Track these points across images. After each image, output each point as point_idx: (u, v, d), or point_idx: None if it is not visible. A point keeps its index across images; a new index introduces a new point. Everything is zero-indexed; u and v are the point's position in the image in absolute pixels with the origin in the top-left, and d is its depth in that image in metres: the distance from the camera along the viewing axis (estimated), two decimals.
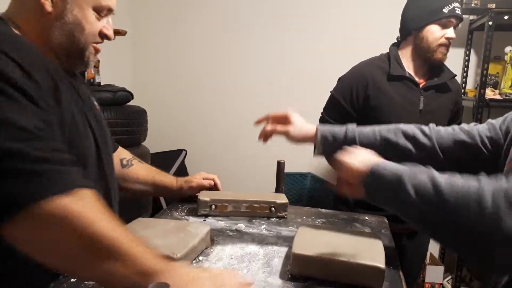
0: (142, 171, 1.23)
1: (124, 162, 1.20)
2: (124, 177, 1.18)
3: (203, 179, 1.26)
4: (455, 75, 1.55)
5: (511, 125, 0.93)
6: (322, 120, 1.65)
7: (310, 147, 2.10)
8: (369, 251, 0.84)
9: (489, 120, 1.00)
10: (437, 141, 1.00)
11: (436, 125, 1.06)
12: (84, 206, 0.64)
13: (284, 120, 1.06)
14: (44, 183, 0.63)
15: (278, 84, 2.34)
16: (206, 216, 1.13)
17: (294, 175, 1.53)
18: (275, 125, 1.06)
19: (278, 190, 1.27)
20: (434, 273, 2.19)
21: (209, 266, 0.84)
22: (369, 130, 1.05)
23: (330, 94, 1.61)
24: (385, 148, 1.00)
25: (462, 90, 2.21)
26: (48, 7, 0.82)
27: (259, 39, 2.38)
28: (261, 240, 0.99)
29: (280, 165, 1.28)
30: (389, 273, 0.83)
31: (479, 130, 0.98)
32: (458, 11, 1.44)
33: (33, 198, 0.62)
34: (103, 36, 0.90)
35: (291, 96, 2.34)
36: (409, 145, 1.01)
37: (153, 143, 2.37)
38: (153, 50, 2.53)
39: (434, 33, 1.44)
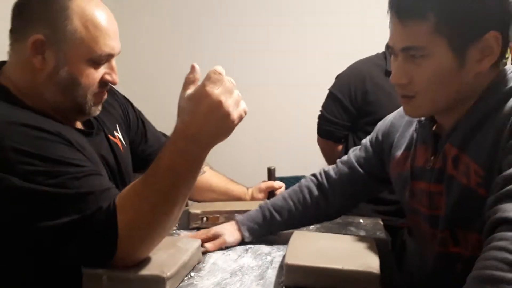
0: (214, 179, 1.24)
1: None
2: (196, 185, 1.17)
3: None
4: None
5: (384, 140, 0.98)
6: (322, 118, 1.69)
7: (302, 150, 2.07)
8: (363, 256, 0.82)
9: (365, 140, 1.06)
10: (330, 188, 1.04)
11: None
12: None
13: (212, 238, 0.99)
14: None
15: (272, 84, 2.30)
16: (198, 229, 1.11)
17: (287, 179, 1.52)
18: (210, 245, 0.96)
19: (269, 197, 1.25)
20: None
21: (201, 282, 0.82)
22: (279, 198, 1.05)
23: (328, 91, 1.64)
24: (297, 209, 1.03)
25: None
26: (38, 63, 0.79)
27: (254, 37, 2.33)
28: (254, 251, 0.97)
29: (271, 172, 1.26)
30: (384, 276, 0.82)
31: (356, 155, 1.05)
32: None
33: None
34: (105, 83, 0.85)
35: (287, 95, 2.30)
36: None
37: None
38: (142, 44, 2.43)
39: None
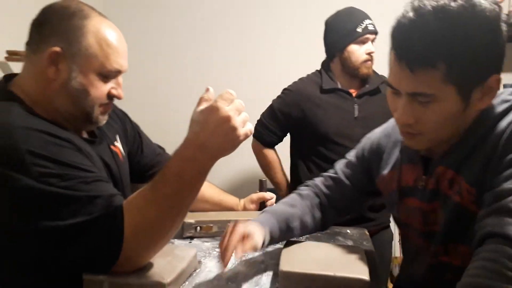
0: (207, 190, 1.27)
1: None
2: None
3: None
4: (386, 78, 1.65)
5: (371, 158, 1.02)
6: (259, 121, 1.78)
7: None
8: (354, 264, 0.87)
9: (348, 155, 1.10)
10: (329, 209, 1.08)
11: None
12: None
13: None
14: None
15: (265, 98, 2.33)
16: (192, 238, 1.14)
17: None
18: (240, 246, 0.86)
19: (260, 207, 1.28)
20: None
21: None
22: (295, 219, 1.04)
23: (271, 103, 1.75)
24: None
25: None
26: (51, 74, 0.84)
27: (240, 38, 2.35)
28: (248, 259, 1.00)
29: (262, 183, 1.30)
30: (373, 284, 0.86)
31: (343, 171, 1.08)
32: (371, 27, 1.59)
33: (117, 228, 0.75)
34: (111, 97, 0.91)
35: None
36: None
37: None
38: (141, 61, 2.40)
39: (355, 52, 1.59)
